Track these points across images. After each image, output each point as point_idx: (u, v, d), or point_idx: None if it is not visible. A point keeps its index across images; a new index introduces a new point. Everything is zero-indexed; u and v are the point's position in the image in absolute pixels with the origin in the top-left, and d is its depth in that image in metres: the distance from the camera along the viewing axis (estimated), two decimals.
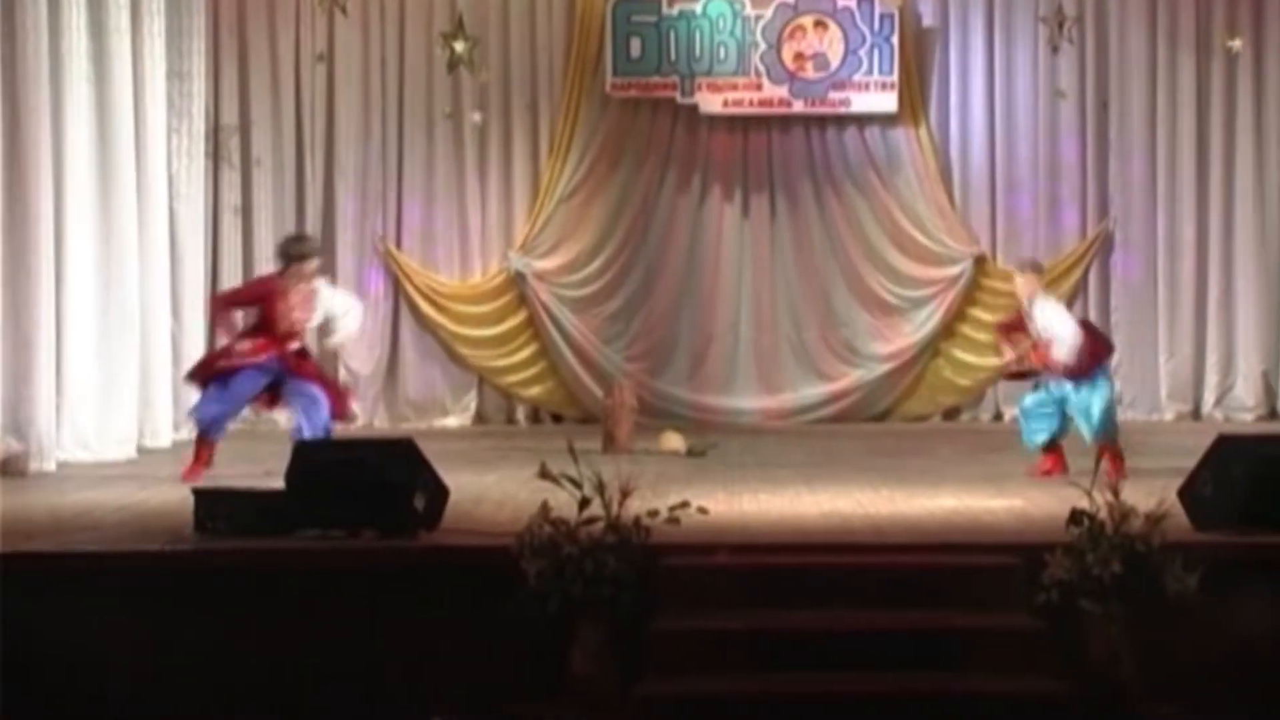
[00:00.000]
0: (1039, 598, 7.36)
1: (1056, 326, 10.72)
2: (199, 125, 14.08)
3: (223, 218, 14.82)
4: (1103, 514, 7.44)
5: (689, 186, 15.09)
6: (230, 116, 14.88)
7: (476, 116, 14.94)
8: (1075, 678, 7.22)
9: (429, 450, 8.59)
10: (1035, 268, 11.31)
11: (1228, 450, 8.29)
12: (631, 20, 14.83)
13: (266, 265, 14.83)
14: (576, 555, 7.43)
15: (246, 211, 14.90)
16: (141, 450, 12.41)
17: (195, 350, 13.97)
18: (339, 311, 11.47)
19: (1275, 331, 14.89)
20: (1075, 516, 7.50)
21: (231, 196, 14.87)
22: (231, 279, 14.76)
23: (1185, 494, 8.20)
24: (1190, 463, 8.38)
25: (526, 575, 7.44)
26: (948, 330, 15.04)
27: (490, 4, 14.96)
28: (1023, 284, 10.96)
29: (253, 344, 10.98)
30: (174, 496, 9.38)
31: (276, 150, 14.97)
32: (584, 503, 7.57)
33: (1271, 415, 14.77)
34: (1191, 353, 14.97)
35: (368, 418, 14.84)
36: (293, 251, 11.30)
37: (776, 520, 8.93)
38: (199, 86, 14.04)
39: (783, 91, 14.86)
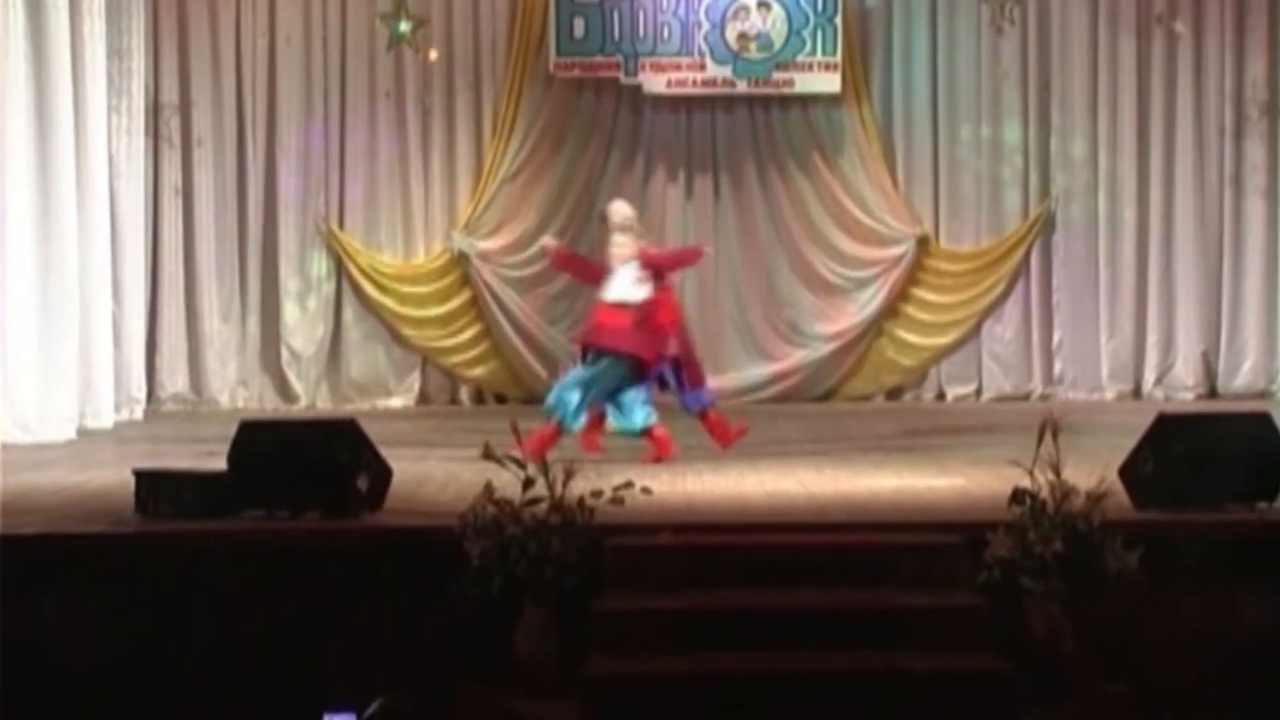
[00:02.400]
0: (981, 576, 7.41)
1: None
2: (139, 104, 13.98)
3: (163, 198, 14.70)
4: (1044, 493, 7.49)
5: (633, 167, 15.06)
6: (170, 95, 14.75)
7: (433, 53, 14.76)
8: (1017, 655, 7.27)
9: (372, 431, 8.57)
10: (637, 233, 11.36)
11: (1168, 429, 8.35)
12: (575, 0, 14.79)
13: (208, 245, 14.81)
14: (520, 536, 7.43)
15: (187, 192, 14.78)
16: (82, 432, 12.32)
17: (137, 331, 13.94)
18: None
19: (1214, 312, 14.99)
20: (1017, 495, 7.55)
21: (172, 176, 14.75)
22: (172, 260, 14.68)
23: (1126, 473, 8.25)
24: (1131, 442, 8.43)
25: (470, 556, 7.44)
26: (891, 310, 15.07)
27: None
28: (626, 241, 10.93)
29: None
30: (115, 478, 9.32)
31: (217, 129, 14.85)
32: (527, 483, 7.57)
33: (1211, 394, 14.88)
34: (1132, 333, 15.06)
35: (310, 399, 14.80)
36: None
37: (720, 500, 8.96)
38: (139, 64, 13.95)
39: (726, 72, 14.85)
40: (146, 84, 14.24)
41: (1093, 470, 7.72)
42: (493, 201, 14.94)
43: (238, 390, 14.83)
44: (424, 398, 15.09)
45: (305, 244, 14.96)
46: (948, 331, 15.09)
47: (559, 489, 7.56)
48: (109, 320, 13.23)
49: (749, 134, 15.05)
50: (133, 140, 13.86)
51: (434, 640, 7.74)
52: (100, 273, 13.05)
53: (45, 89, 12.11)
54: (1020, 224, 15.06)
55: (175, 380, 14.69)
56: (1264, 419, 8.48)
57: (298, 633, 7.80)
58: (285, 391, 14.88)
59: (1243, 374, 14.93)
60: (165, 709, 7.74)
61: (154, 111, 14.56)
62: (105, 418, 12.89)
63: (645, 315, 10.68)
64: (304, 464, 8.14)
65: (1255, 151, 14.91)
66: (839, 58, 14.80)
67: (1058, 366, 15.10)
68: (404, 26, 14.54)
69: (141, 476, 8.36)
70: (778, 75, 14.85)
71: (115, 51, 13.50)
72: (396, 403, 14.91)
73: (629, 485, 7.82)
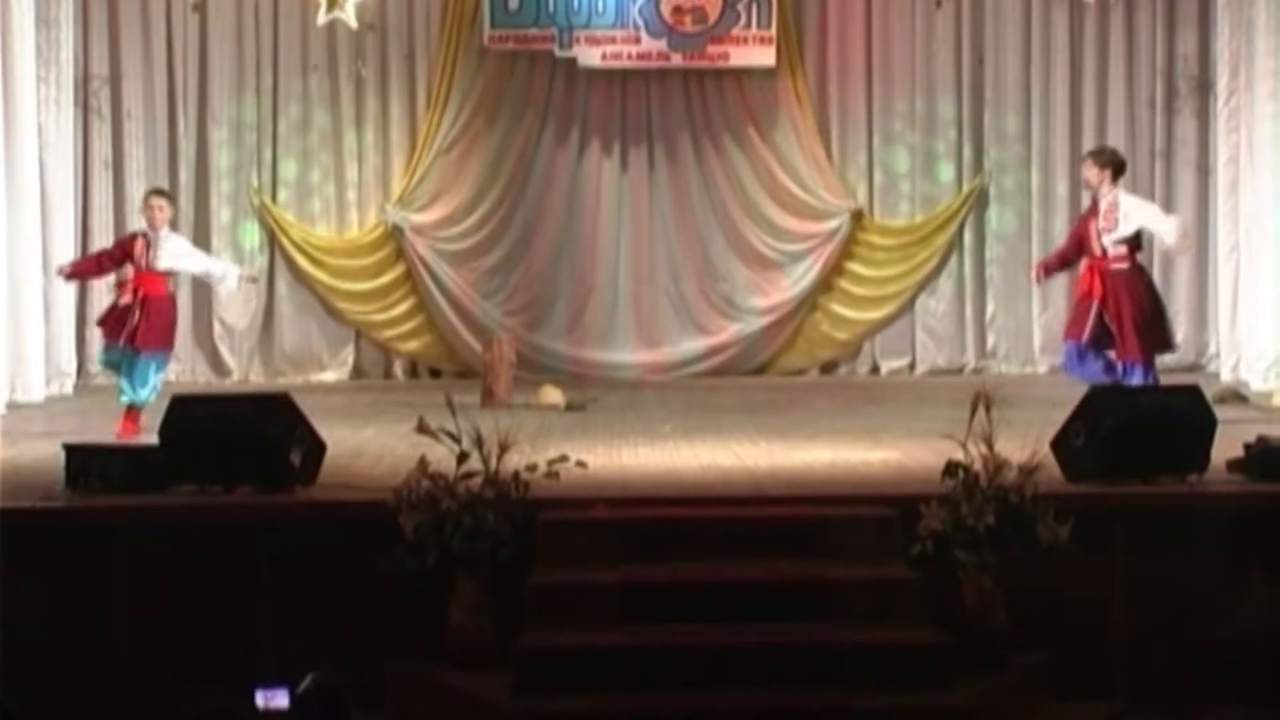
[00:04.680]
0: (914, 548, 7.44)
1: None
2: (68, 75, 13.82)
3: (93, 170, 14.57)
4: (977, 466, 7.53)
5: (567, 140, 15.04)
6: (100, 66, 14.61)
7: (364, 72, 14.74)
8: (949, 626, 7.31)
9: (306, 405, 8.54)
10: None
11: (1099, 402, 8.41)
12: None
13: (138, 218, 14.63)
14: (455, 510, 7.41)
15: (117, 164, 14.66)
16: (11, 406, 12.21)
17: (67, 305, 13.80)
18: None
19: None
20: (950, 468, 7.58)
21: (102, 148, 14.61)
22: (103, 233, 14.53)
23: (1058, 446, 8.31)
24: (1063, 415, 8.49)
25: (404, 530, 7.42)
26: (825, 284, 15.12)
27: None
28: None
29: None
30: (45, 453, 9.25)
31: (148, 101, 14.73)
32: (462, 457, 7.56)
33: None
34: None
35: (243, 372, 14.73)
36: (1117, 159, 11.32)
37: (655, 474, 8.97)
38: (68, 35, 13.78)
39: (661, 45, 14.83)
40: (76, 54, 14.10)
41: (1025, 443, 7.76)
42: (427, 174, 14.88)
43: (169, 364, 14.71)
44: (358, 371, 15.04)
45: (238, 217, 14.87)
46: (881, 305, 15.15)
47: (494, 463, 7.55)
48: (39, 294, 13.10)
49: (683, 107, 15.05)
50: (62, 111, 13.72)
51: (368, 614, 7.72)
52: (30, 245, 12.92)
53: None
54: (954, 198, 15.13)
55: None
56: (1194, 392, 8.55)
57: (230, 608, 7.76)
58: (218, 365, 14.80)
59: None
60: (94, 683, 7.70)
61: (83, 83, 14.42)
62: (35, 392, 12.78)
63: None
64: (236, 438, 8.10)
65: (1186, 126, 15.03)
66: (773, 31, 14.82)
67: (990, 340, 15.19)
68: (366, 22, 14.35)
69: (72, 451, 8.29)
70: (712, 49, 14.85)
71: (44, 21, 13.34)
72: (330, 377, 14.86)
73: (564, 459, 7.82)
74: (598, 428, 10.92)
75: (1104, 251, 10.89)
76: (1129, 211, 10.92)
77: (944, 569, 7.41)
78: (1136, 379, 10.73)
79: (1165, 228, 11.20)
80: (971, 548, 7.37)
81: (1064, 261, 11.55)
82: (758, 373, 15.08)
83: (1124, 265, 10.88)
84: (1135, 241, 10.95)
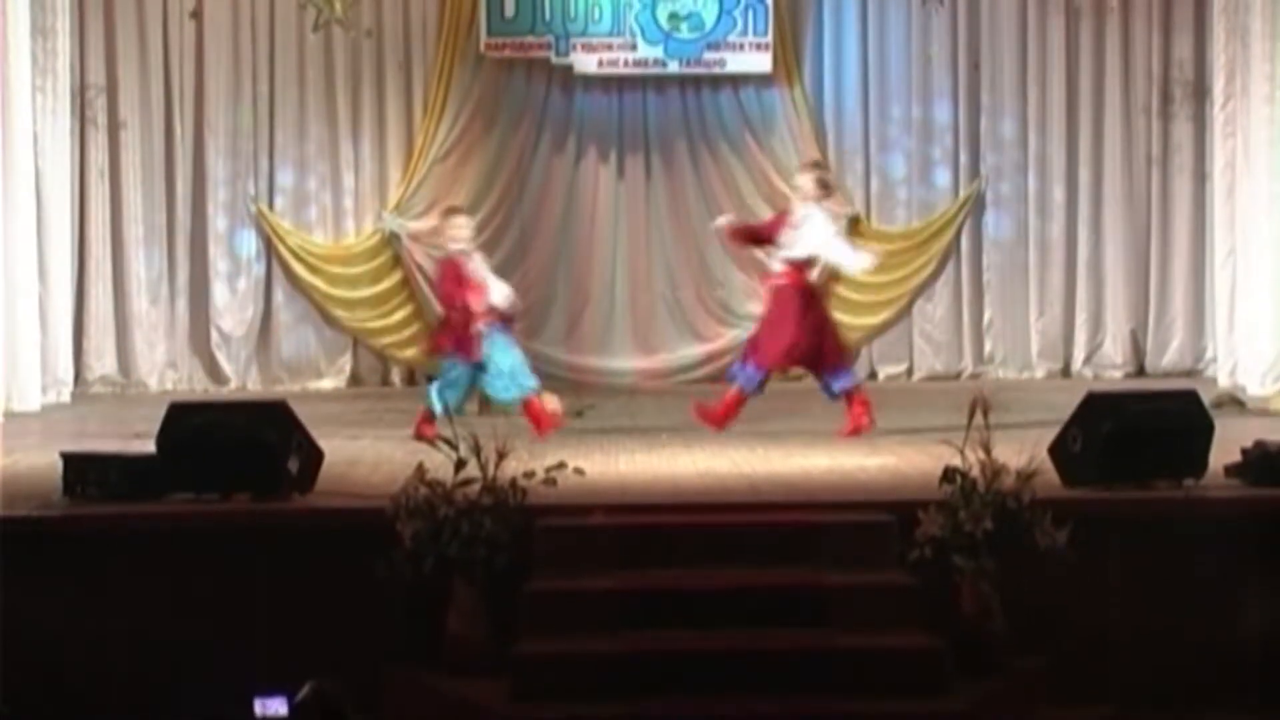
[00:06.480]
0: (912, 554, 7.44)
1: None
2: (64, 84, 13.80)
3: (89, 179, 14.55)
4: (975, 471, 7.53)
5: (564, 147, 15.04)
6: (97, 76, 14.60)
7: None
8: (947, 632, 7.31)
9: (303, 412, 8.54)
10: None
11: (1096, 408, 8.41)
12: None
13: (135, 227, 14.69)
14: (452, 517, 7.42)
15: (114, 173, 14.63)
16: (8, 415, 12.19)
17: (64, 313, 13.78)
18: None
19: (1142, 291, 15.11)
20: (948, 474, 7.59)
21: (98, 157, 14.59)
22: (100, 242, 14.55)
23: (1055, 451, 8.31)
24: (1060, 420, 8.50)
25: (402, 537, 7.42)
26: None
27: None
28: None
29: None
30: (42, 461, 9.25)
31: (144, 111, 14.71)
32: (460, 464, 7.56)
33: (1139, 373, 14.99)
34: (1061, 312, 15.16)
35: (240, 380, 14.72)
36: None
37: (653, 480, 8.97)
38: (64, 44, 13.75)
39: (657, 52, 14.83)
40: (72, 64, 14.07)
41: (1022, 449, 7.77)
42: (423, 182, 14.87)
43: (166, 372, 14.74)
44: (355, 379, 15.03)
45: (234, 225, 14.86)
46: (879, 311, 15.15)
47: (491, 469, 7.55)
48: (35, 302, 13.08)
49: (680, 114, 15.04)
50: (58, 121, 13.69)
51: (365, 622, 7.72)
52: (25, 254, 12.92)
53: None
54: (950, 204, 15.12)
55: (103, 362, 14.59)
56: (1191, 397, 8.56)
57: (227, 616, 7.76)
58: (215, 373, 14.79)
59: (1170, 352, 15.06)
60: (92, 691, 7.69)
61: (80, 92, 14.40)
62: (32, 400, 12.76)
63: None
64: (233, 446, 8.10)
65: (1182, 131, 15.03)
66: (770, 37, 14.82)
67: (988, 345, 15.19)
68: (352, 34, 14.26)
69: (69, 459, 8.29)
70: (709, 55, 14.84)
71: (40, 30, 13.31)
72: (328, 384, 14.84)
73: (562, 466, 7.82)
74: (595, 434, 10.92)
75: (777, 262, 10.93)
76: (809, 235, 10.78)
77: (942, 574, 7.42)
78: (745, 375, 10.85)
79: (846, 260, 11.08)
80: (969, 553, 7.38)
81: (754, 234, 11.48)
82: None
83: (781, 281, 10.83)
84: (804, 260, 10.85)
